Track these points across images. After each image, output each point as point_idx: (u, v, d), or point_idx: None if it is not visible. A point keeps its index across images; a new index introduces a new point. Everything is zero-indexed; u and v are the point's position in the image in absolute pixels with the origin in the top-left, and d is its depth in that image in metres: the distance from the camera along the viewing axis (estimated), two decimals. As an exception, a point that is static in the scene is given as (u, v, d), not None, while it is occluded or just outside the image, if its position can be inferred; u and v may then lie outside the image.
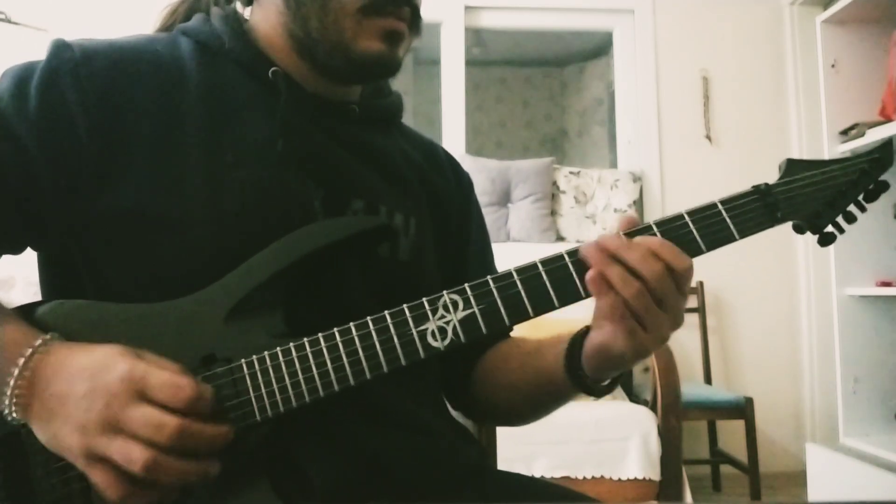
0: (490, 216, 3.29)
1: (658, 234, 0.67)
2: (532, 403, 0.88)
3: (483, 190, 3.30)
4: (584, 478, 2.25)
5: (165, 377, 0.60)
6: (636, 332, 0.65)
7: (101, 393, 0.59)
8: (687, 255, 0.65)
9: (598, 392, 0.76)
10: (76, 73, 0.71)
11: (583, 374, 0.74)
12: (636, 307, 0.64)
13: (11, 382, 0.62)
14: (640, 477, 2.23)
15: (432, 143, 1.00)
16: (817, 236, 0.71)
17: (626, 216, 0.69)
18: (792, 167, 0.71)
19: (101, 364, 0.61)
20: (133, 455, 0.58)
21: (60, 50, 0.73)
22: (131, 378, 0.60)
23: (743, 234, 0.68)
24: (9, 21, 3.00)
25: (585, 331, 0.73)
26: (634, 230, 0.68)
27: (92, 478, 0.61)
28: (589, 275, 0.65)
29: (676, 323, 0.67)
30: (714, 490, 3.17)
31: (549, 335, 0.83)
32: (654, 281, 0.64)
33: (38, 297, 0.76)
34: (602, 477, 2.26)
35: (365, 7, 0.75)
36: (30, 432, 0.64)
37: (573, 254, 0.67)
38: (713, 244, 0.67)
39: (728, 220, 0.67)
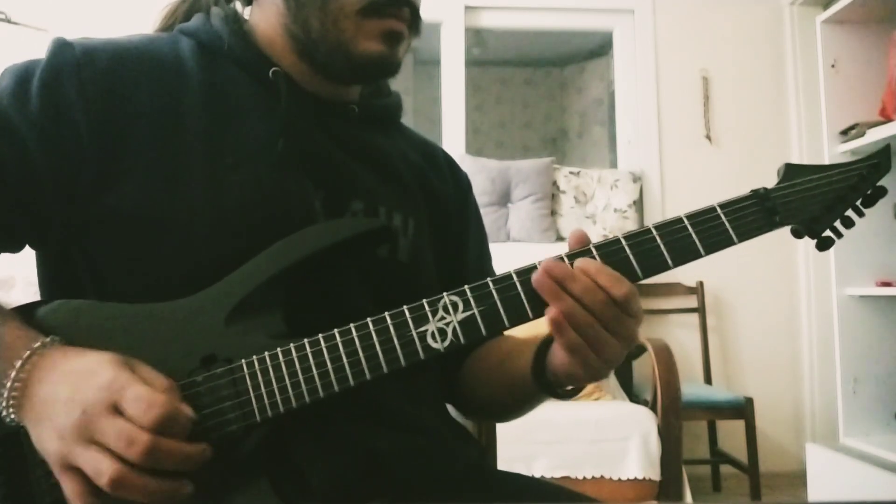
0: (490, 216, 3.29)
1: (657, 237, 0.67)
2: (506, 403, 0.89)
3: (483, 190, 3.30)
4: (584, 478, 2.26)
5: (141, 392, 0.58)
6: (588, 357, 0.66)
7: (80, 400, 0.59)
8: (626, 281, 0.66)
9: (565, 396, 0.77)
10: (78, 72, 0.71)
11: (548, 380, 0.75)
12: (587, 336, 0.65)
13: (8, 384, 0.62)
14: (640, 477, 2.23)
15: (431, 143, 1.00)
16: (815, 241, 0.71)
17: (577, 233, 0.69)
18: (790, 172, 0.71)
19: (87, 370, 0.61)
20: (101, 467, 0.58)
21: (62, 49, 0.73)
22: (110, 388, 0.59)
23: (742, 238, 0.68)
24: (9, 21, 3.00)
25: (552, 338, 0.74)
26: (632, 232, 0.68)
27: (62, 485, 0.60)
28: (551, 315, 0.65)
29: (629, 344, 0.68)
30: (714, 490, 3.17)
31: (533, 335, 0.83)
32: (601, 311, 0.64)
33: (38, 297, 0.76)
34: (602, 477, 2.27)
35: (364, 8, 0.76)
36: (28, 433, 0.64)
37: (573, 256, 0.67)
38: (712, 248, 0.67)
39: (727, 223, 0.67)
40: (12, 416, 0.62)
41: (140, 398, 0.58)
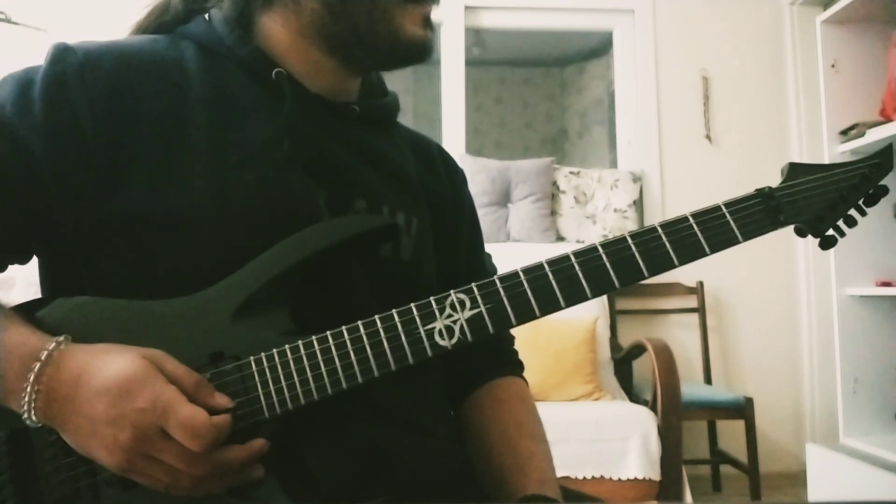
0: (490, 216, 3.30)
1: (662, 235, 0.68)
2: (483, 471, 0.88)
3: (483, 190, 3.30)
4: (584, 478, 2.26)
5: (183, 419, 0.60)
6: None
7: (125, 423, 0.60)
8: None
9: None
10: (82, 76, 0.71)
11: None
12: None
13: (28, 388, 0.62)
14: (640, 477, 2.23)
15: (425, 139, 1.00)
16: (819, 240, 0.71)
17: None
18: (794, 171, 0.71)
19: (120, 388, 0.61)
20: (175, 478, 0.62)
21: (63, 54, 0.72)
22: (154, 410, 0.60)
23: (746, 237, 0.68)
24: (9, 21, 3.00)
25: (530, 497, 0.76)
26: (638, 231, 0.68)
27: (139, 480, 0.63)
28: None
29: None
30: (714, 490, 3.17)
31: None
32: None
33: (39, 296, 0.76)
34: (602, 477, 2.27)
35: None
36: (38, 430, 0.64)
37: (579, 255, 0.68)
38: (717, 246, 0.68)
39: (732, 222, 0.68)
40: (33, 417, 0.62)
41: (183, 427, 0.60)
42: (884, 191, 0.71)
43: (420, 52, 0.82)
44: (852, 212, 0.71)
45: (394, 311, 0.68)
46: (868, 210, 0.71)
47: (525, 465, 0.83)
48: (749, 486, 2.82)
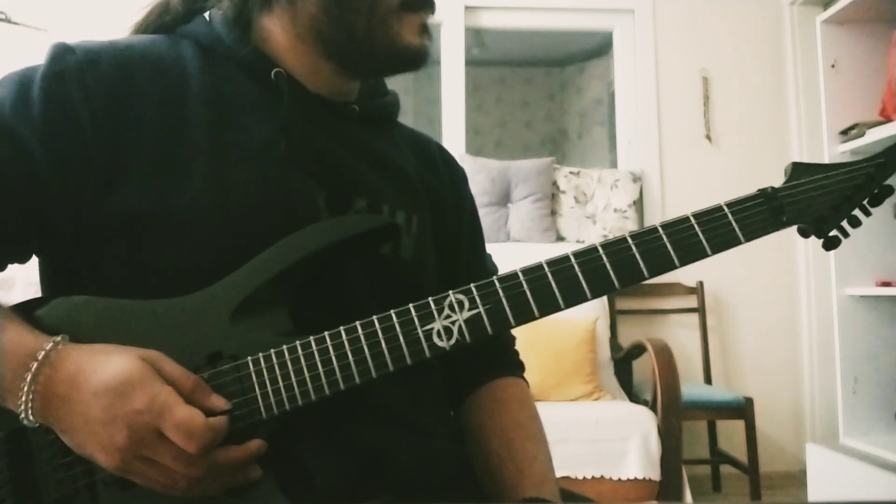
0: (490, 216, 3.30)
1: (663, 236, 0.67)
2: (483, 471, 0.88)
3: (483, 190, 3.30)
4: (584, 478, 2.26)
5: (179, 421, 0.60)
6: None
7: (121, 424, 0.60)
8: None
9: None
10: (82, 76, 0.71)
11: None
12: None
13: (25, 388, 0.62)
14: (640, 477, 2.24)
15: (425, 138, 1.00)
16: (822, 240, 0.71)
17: None
18: (797, 171, 0.70)
19: (117, 389, 0.61)
20: (172, 478, 0.62)
21: (63, 53, 0.72)
22: (150, 411, 0.60)
23: (748, 238, 0.67)
24: (9, 21, 3.00)
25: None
26: (639, 232, 0.68)
27: (135, 480, 0.63)
28: None
29: None
30: (714, 490, 3.17)
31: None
32: None
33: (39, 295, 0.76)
34: (602, 477, 2.27)
35: (404, 3, 0.79)
36: (36, 430, 0.64)
37: (579, 255, 0.67)
38: (718, 247, 0.67)
39: (734, 223, 0.67)
40: (31, 417, 0.62)
41: (179, 428, 0.60)
42: (889, 190, 0.70)
43: (417, 60, 0.83)
44: (856, 212, 0.70)
45: (392, 311, 0.67)
46: (872, 210, 0.70)
47: (524, 467, 0.83)
48: (749, 486, 2.82)
